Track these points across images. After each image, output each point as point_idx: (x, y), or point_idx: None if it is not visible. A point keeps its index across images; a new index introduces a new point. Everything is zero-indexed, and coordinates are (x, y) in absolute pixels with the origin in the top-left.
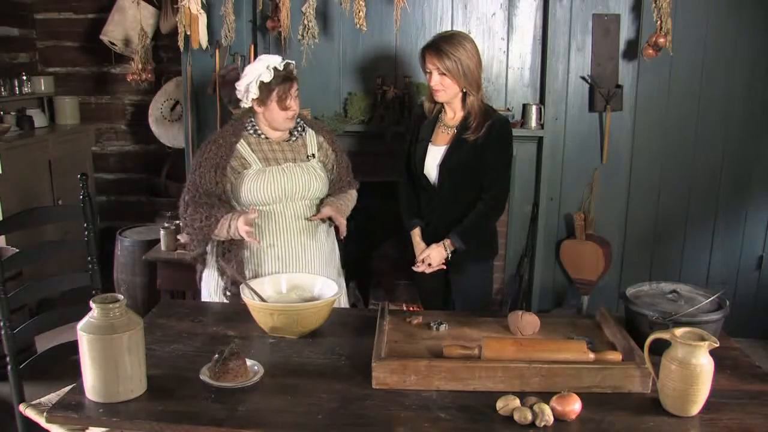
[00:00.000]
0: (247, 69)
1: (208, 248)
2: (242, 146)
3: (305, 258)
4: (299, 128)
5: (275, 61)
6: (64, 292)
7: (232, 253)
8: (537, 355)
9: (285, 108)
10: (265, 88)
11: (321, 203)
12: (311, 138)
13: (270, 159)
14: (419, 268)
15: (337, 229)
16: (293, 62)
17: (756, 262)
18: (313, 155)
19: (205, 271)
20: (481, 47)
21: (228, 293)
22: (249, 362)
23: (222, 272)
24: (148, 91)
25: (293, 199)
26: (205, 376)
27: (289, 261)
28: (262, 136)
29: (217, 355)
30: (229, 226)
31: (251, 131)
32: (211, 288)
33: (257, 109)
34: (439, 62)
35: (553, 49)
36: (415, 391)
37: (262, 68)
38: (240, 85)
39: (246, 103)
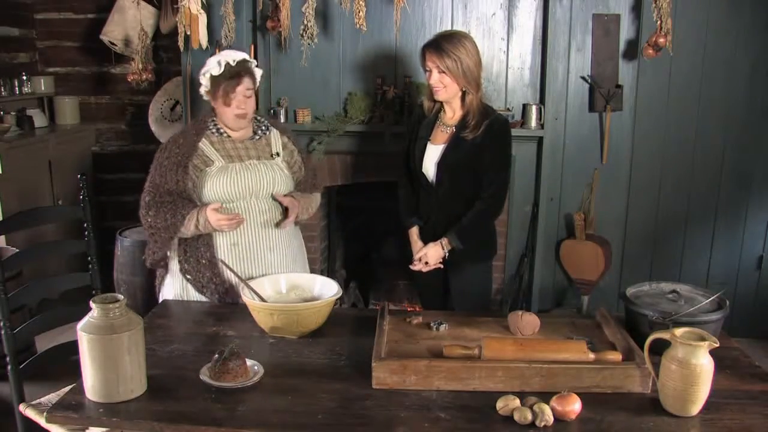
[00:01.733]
0: (207, 61)
1: (169, 253)
2: (204, 144)
3: (271, 257)
4: (263, 127)
5: (231, 56)
6: (64, 292)
7: (194, 254)
8: (537, 355)
9: (227, 104)
10: (214, 82)
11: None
12: (275, 137)
13: (233, 156)
14: (416, 266)
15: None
16: (253, 61)
17: (756, 262)
18: (278, 154)
19: (167, 277)
20: (481, 47)
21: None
22: (249, 362)
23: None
24: (148, 91)
25: (258, 197)
26: (205, 376)
27: (253, 260)
28: (225, 135)
29: (217, 355)
30: (197, 221)
31: (213, 130)
32: (176, 292)
33: (212, 103)
34: (439, 61)
35: (553, 49)
36: (415, 391)
37: (213, 61)
38: (199, 74)
39: (202, 93)
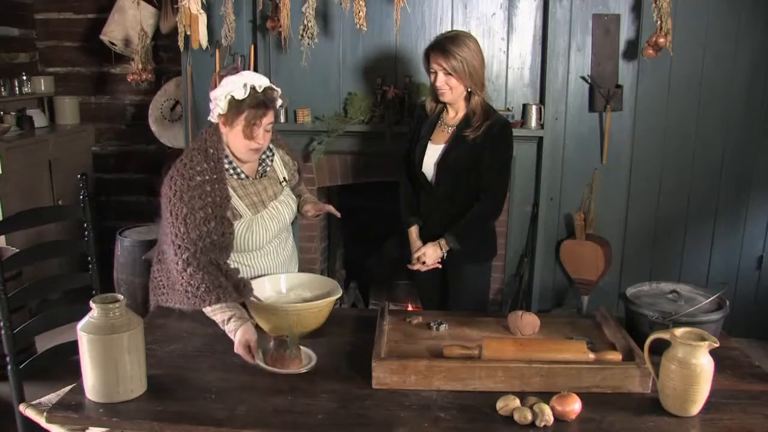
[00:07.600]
0: (225, 80)
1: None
2: (231, 193)
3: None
4: (268, 152)
5: (257, 81)
6: (64, 292)
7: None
8: (537, 355)
9: (250, 137)
10: (234, 107)
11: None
12: (278, 160)
13: (257, 203)
14: (414, 266)
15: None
16: (279, 90)
17: (756, 262)
18: (285, 179)
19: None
20: (480, 47)
21: None
22: (303, 350)
23: None
24: (148, 91)
25: (279, 235)
26: (260, 361)
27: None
28: (242, 175)
29: (273, 342)
30: (226, 324)
31: (231, 171)
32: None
33: (222, 128)
34: (445, 62)
35: (553, 49)
36: (415, 391)
37: (238, 83)
38: (213, 95)
39: (213, 117)
